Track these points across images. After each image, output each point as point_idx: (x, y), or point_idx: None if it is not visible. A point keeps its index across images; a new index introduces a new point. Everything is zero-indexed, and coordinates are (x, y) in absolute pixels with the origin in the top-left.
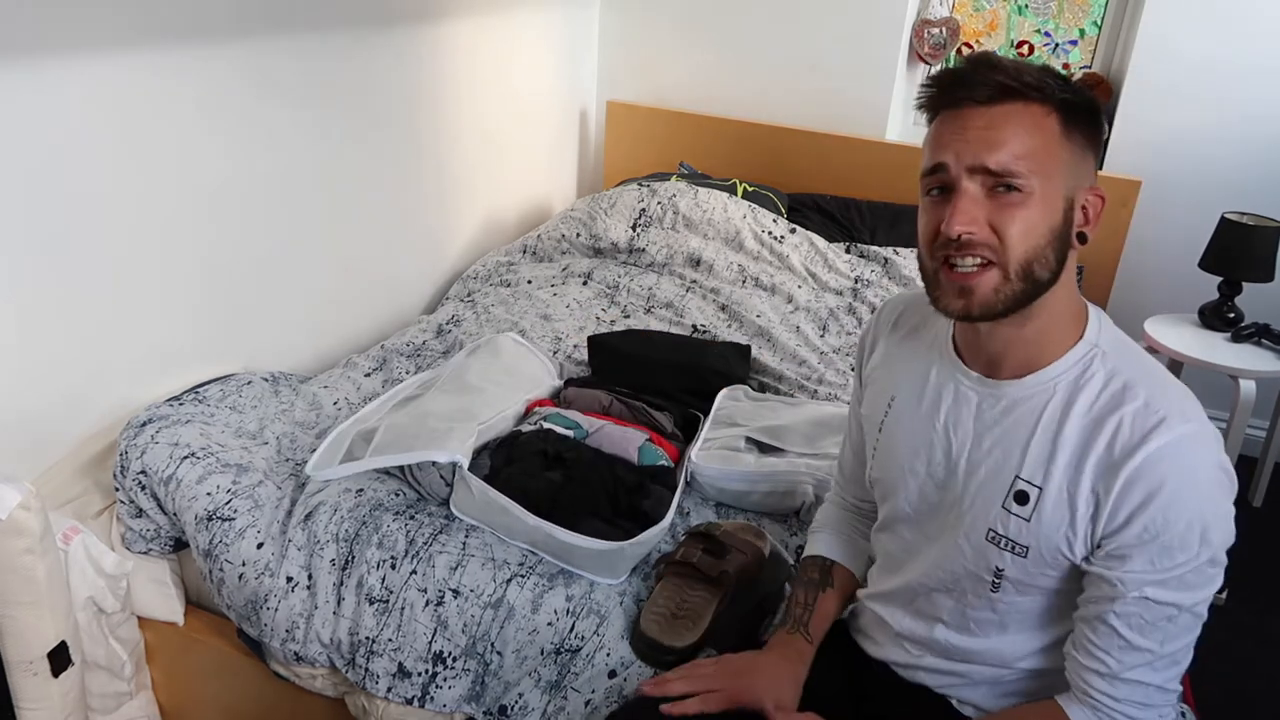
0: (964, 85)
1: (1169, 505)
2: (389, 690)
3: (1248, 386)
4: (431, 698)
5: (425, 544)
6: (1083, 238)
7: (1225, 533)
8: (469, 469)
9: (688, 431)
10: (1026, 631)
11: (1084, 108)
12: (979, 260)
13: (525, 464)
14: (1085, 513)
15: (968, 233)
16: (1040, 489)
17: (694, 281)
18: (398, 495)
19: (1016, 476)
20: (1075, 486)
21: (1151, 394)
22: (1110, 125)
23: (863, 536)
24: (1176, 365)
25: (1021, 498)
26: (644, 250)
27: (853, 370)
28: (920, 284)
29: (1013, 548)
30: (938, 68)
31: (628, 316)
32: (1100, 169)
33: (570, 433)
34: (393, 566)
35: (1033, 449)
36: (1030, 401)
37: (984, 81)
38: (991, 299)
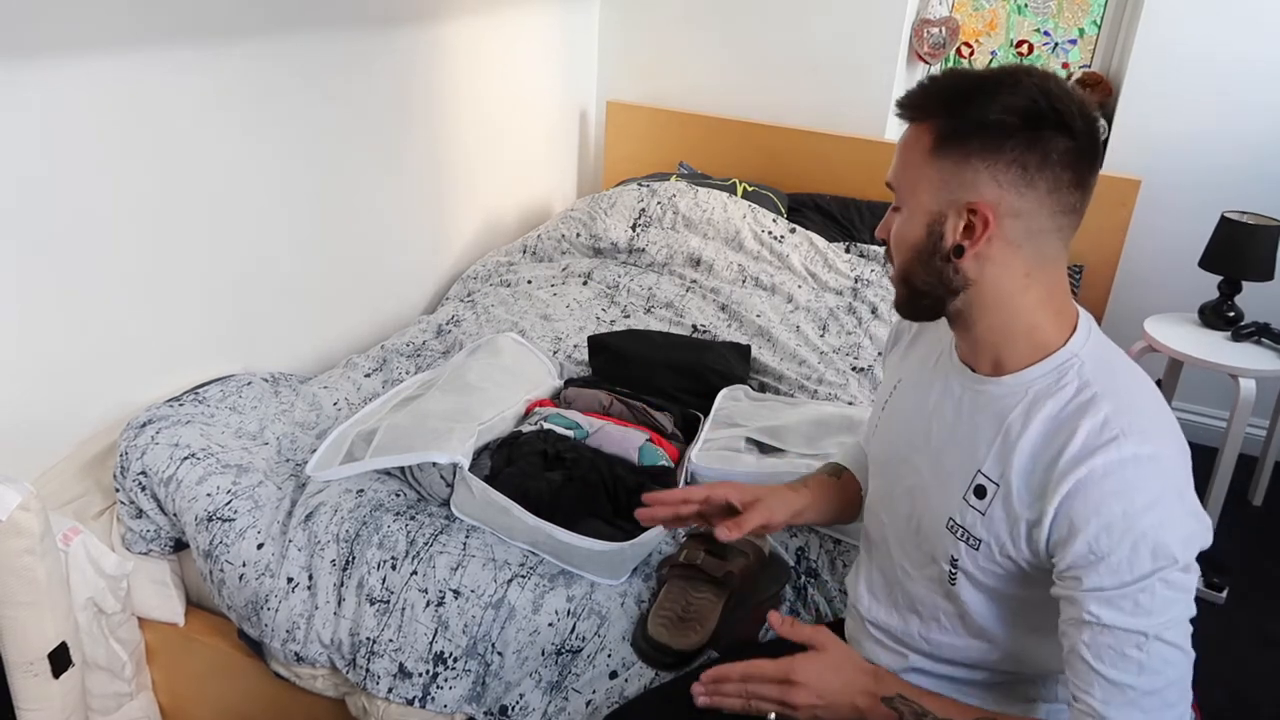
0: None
1: (1110, 525)
2: (390, 691)
3: (1248, 386)
4: (432, 698)
5: (426, 544)
6: (959, 250)
7: (1173, 558)
8: (469, 469)
9: (688, 432)
10: (989, 632)
11: (973, 121)
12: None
13: (526, 464)
14: (1030, 517)
15: (880, 239)
16: (997, 485)
17: (694, 281)
18: (398, 496)
19: (978, 470)
20: (1025, 489)
21: (1115, 411)
22: (1110, 124)
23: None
24: (1176, 365)
25: (980, 491)
26: (644, 250)
27: (854, 370)
28: None
29: (967, 539)
30: (937, 67)
31: (628, 316)
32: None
33: (570, 433)
34: (393, 567)
35: (996, 446)
36: (1003, 400)
37: (899, 103)
38: (898, 299)
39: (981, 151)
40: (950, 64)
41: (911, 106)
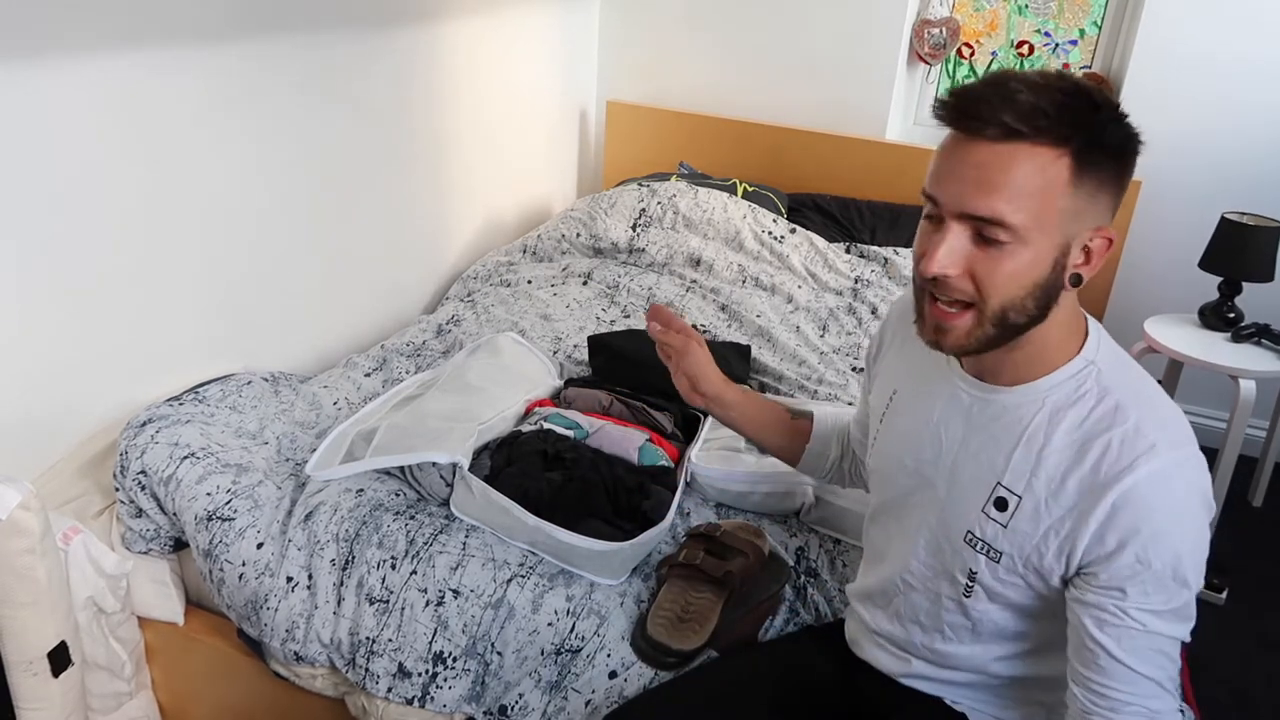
0: (975, 117)
1: (1159, 534)
2: (389, 690)
3: (1248, 386)
4: (432, 698)
5: (425, 544)
6: (1077, 280)
7: (1204, 560)
8: (469, 469)
9: (688, 431)
10: (999, 641)
11: (1110, 147)
12: (955, 301)
13: (525, 464)
14: (1062, 529)
15: (943, 275)
16: (1020, 498)
17: (694, 281)
18: (398, 495)
19: (998, 483)
20: (1055, 501)
21: (1143, 417)
22: None
23: (838, 443)
24: (1176, 365)
25: (1001, 504)
26: (644, 250)
27: (854, 370)
28: None
29: (988, 551)
30: (937, 68)
31: (628, 316)
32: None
33: (570, 433)
34: (393, 566)
35: (1016, 458)
36: (1019, 410)
37: (991, 120)
38: (964, 341)
39: (1115, 178)
40: (952, 65)
41: (1040, 129)
